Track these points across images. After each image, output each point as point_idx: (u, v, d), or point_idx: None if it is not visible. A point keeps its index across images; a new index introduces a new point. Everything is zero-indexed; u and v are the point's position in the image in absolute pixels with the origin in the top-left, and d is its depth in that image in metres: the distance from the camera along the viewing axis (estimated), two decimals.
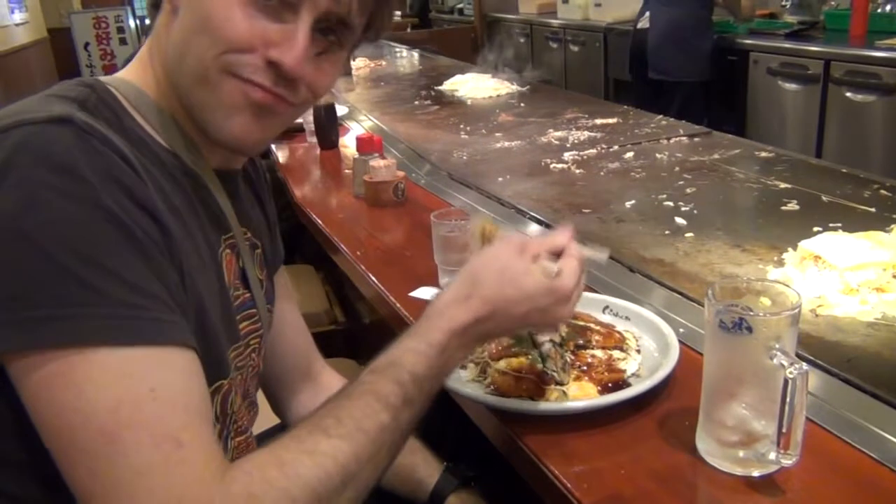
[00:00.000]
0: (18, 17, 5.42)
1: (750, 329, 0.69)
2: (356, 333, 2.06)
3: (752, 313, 0.70)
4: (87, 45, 6.75)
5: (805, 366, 0.66)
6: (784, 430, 0.68)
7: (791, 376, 0.66)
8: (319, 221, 1.62)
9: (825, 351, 0.91)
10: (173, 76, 0.74)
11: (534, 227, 1.43)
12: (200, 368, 0.65)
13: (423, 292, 1.18)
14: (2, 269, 0.57)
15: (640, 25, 3.71)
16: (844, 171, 1.65)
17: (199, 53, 0.71)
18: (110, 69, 6.26)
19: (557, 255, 0.81)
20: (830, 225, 1.29)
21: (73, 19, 6.68)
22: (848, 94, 2.99)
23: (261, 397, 0.97)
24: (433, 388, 0.74)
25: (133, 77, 0.77)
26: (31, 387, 0.58)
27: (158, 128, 0.74)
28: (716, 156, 1.80)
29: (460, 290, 0.77)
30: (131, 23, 6.92)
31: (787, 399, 0.67)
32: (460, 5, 7.02)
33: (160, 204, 0.65)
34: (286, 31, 0.71)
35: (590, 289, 1.17)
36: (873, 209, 1.38)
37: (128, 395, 0.58)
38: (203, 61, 0.71)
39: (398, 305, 1.17)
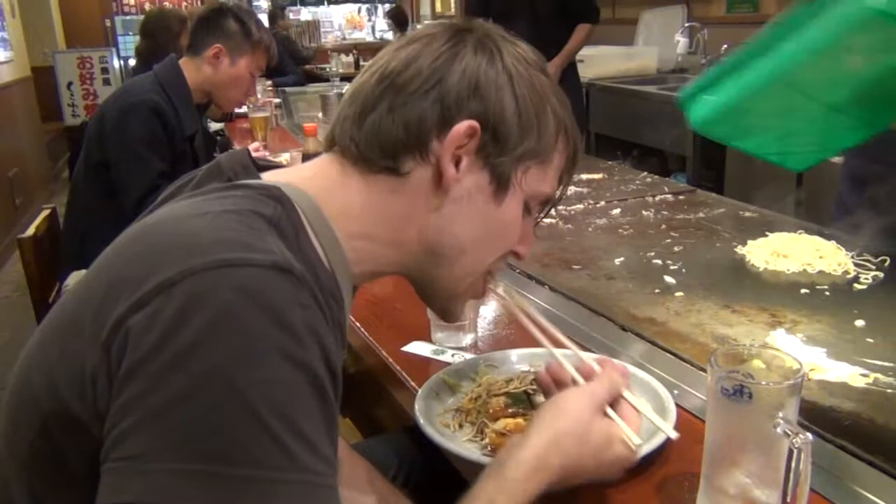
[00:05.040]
0: (2, 55, 5.41)
1: (751, 396, 0.70)
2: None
3: (752, 381, 0.70)
4: (70, 84, 6.74)
5: (810, 436, 0.66)
6: (788, 501, 0.68)
7: (797, 446, 0.66)
8: None
9: (821, 416, 0.91)
10: (419, 245, 0.77)
11: (535, 294, 1.43)
12: None
13: (417, 347, 1.17)
14: (207, 419, 0.55)
15: None
16: (827, 232, 1.67)
17: (482, 256, 0.80)
18: (92, 109, 6.26)
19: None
20: (817, 287, 1.32)
21: (57, 59, 6.68)
22: None
23: None
24: None
25: (314, 189, 0.74)
26: None
27: (326, 248, 0.72)
28: (700, 214, 1.83)
29: (539, 451, 0.75)
30: (115, 63, 6.94)
31: (793, 469, 0.67)
32: None
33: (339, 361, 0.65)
34: (528, 228, 0.83)
35: (583, 347, 1.16)
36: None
37: None
38: (482, 265, 0.80)
39: (391, 360, 1.15)
